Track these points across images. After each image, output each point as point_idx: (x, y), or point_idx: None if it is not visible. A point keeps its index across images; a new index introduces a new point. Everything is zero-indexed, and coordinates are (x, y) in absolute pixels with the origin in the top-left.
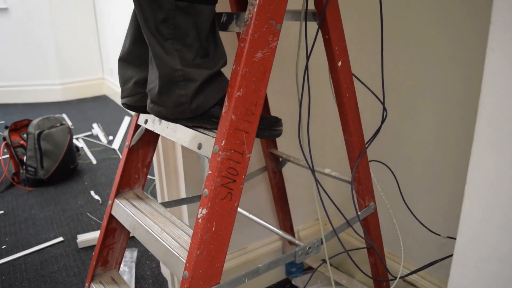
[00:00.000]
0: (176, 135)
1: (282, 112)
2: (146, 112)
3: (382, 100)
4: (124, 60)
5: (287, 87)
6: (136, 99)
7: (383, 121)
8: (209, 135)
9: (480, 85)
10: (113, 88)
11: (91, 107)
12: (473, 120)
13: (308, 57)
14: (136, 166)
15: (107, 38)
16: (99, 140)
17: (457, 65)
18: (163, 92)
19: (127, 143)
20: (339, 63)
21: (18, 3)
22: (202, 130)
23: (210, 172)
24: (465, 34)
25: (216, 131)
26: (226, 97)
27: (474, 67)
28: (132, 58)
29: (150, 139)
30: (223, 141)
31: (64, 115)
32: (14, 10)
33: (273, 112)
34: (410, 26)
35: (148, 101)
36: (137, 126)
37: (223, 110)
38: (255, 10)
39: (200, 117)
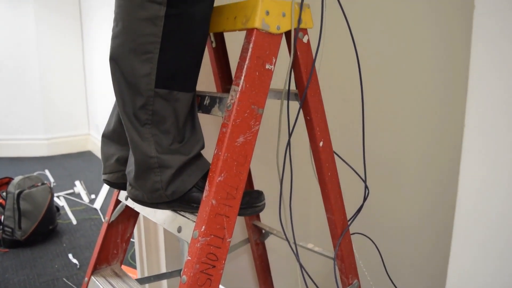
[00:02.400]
0: (156, 215)
1: (265, 182)
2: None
3: (364, 178)
4: (108, 137)
5: (270, 157)
6: (117, 176)
7: (365, 199)
8: (188, 218)
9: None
10: (98, 144)
11: (75, 163)
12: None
13: (290, 135)
14: (115, 242)
15: (95, 94)
16: (81, 198)
17: (437, 139)
18: (139, 177)
19: (106, 218)
20: (321, 143)
21: (8, 58)
22: (182, 213)
23: (189, 258)
24: (443, 110)
25: (196, 214)
26: (207, 181)
27: (456, 141)
28: (116, 136)
29: (130, 213)
30: (203, 227)
31: (47, 171)
32: (3, 65)
33: (256, 182)
34: (390, 103)
35: (127, 183)
36: (118, 202)
37: (204, 195)
38: (237, 96)
39: (178, 202)
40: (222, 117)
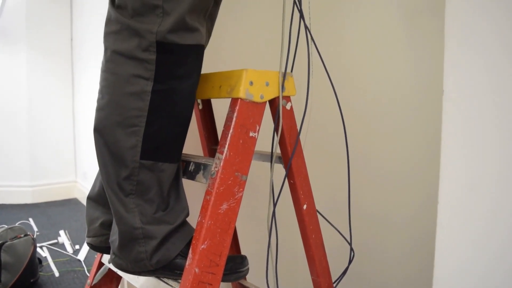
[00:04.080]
0: (139, 281)
1: (252, 240)
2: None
3: (349, 240)
4: (93, 200)
5: (258, 215)
6: (101, 240)
7: (350, 261)
8: (172, 285)
9: None
10: (84, 192)
11: (60, 212)
12: None
13: (277, 197)
14: None
15: (83, 141)
16: (65, 249)
17: (423, 198)
18: (123, 247)
19: (88, 281)
20: (304, 206)
21: None
22: (165, 279)
23: None
24: (427, 167)
25: (179, 280)
26: (190, 249)
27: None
28: (101, 199)
29: (113, 276)
30: None
31: (31, 220)
32: None
33: (243, 241)
34: (376, 162)
35: (111, 251)
36: (101, 264)
37: (187, 263)
38: (221, 164)
39: (162, 269)
40: (206, 184)
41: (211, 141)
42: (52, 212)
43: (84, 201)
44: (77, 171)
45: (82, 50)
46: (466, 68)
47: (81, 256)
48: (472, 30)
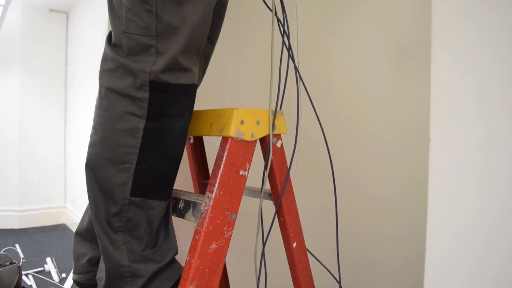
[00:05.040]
0: None
1: (242, 277)
2: None
3: (338, 279)
4: (81, 236)
5: (248, 250)
6: (87, 277)
7: None
8: None
9: None
10: (73, 218)
11: (47, 238)
12: None
13: (266, 237)
14: None
15: (74, 167)
16: (51, 277)
17: (412, 227)
18: (110, 285)
19: None
20: (294, 244)
21: None
22: None
23: None
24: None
25: None
26: None
27: None
28: (88, 235)
29: None
30: None
31: (17, 246)
32: None
33: (233, 277)
34: (366, 196)
35: None
36: None
37: None
38: (211, 203)
39: None
40: (195, 223)
41: (202, 175)
42: (39, 238)
43: (72, 227)
44: (67, 196)
45: (76, 76)
46: (451, 113)
47: (67, 285)
48: (458, 74)
